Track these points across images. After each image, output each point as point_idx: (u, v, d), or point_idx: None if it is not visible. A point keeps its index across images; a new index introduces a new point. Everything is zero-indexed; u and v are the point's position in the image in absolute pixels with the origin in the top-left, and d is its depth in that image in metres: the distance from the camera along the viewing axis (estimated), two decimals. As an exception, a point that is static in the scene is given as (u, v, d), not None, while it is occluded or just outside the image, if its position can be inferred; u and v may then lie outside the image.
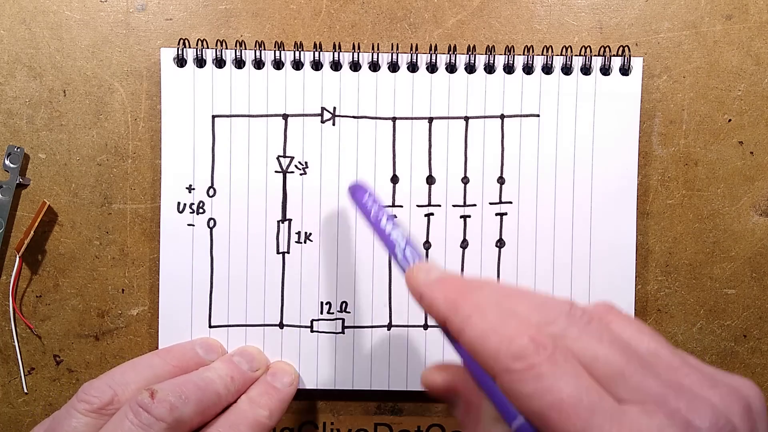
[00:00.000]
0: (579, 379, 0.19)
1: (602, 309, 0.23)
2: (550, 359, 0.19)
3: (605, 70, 0.34)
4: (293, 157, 0.34)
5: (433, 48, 0.34)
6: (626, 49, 0.34)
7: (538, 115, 0.34)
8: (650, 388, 0.19)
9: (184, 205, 0.34)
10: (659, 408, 0.19)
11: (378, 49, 0.34)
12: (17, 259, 0.34)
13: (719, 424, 0.18)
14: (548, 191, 0.34)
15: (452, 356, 0.23)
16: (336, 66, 0.33)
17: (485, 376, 0.21)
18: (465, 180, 0.34)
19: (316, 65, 0.33)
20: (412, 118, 0.34)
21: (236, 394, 0.30)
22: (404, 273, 0.25)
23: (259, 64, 0.33)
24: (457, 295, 0.22)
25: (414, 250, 0.26)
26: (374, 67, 0.33)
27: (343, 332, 0.34)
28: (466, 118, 0.34)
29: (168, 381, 0.28)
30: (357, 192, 0.30)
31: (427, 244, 0.34)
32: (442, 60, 0.34)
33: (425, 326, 0.34)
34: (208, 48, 0.33)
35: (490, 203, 0.34)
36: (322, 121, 0.34)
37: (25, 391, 0.35)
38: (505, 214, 0.34)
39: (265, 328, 0.34)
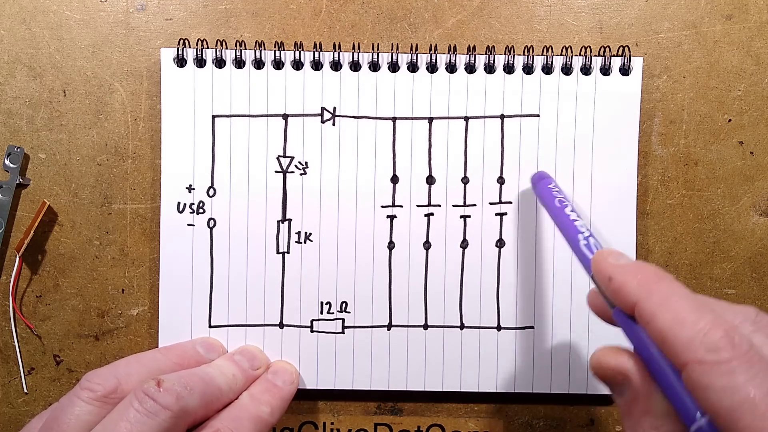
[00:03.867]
0: None
1: None
2: (745, 357, 0.19)
3: (605, 70, 0.34)
4: (293, 157, 0.34)
5: (433, 48, 0.34)
6: (626, 49, 0.34)
7: (538, 115, 0.34)
8: None
9: (184, 205, 0.34)
10: None
11: (378, 49, 0.34)
12: (17, 259, 0.34)
13: None
14: (548, 191, 0.34)
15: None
16: (336, 66, 0.33)
17: (667, 367, 0.21)
18: (465, 180, 0.34)
19: (316, 65, 0.33)
20: (412, 118, 0.34)
21: (237, 393, 0.30)
22: (585, 260, 0.25)
23: (259, 64, 0.33)
24: (652, 280, 0.22)
25: (596, 240, 0.26)
26: (374, 67, 0.33)
27: (343, 332, 0.34)
28: (466, 118, 0.34)
29: (173, 373, 0.28)
30: (540, 180, 0.31)
31: (427, 244, 0.34)
32: (442, 60, 0.34)
33: (425, 326, 0.34)
34: (208, 48, 0.33)
35: (490, 203, 0.34)
36: (322, 121, 0.34)
37: (25, 391, 0.35)
38: (505, 214, 0.34)
39: (265, 328, 0.34)
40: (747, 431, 0.18)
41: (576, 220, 0.28)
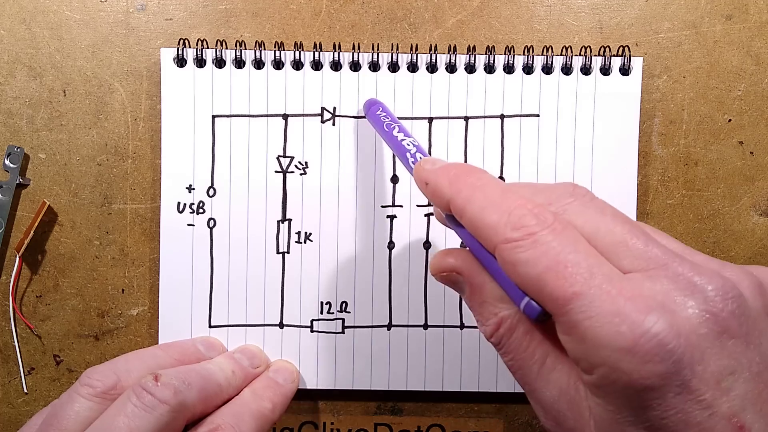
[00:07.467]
0: (578, 245, 0.19)
1: None
2: (549, 228, 0.19)
3: (605, 70, 0.34)
4: (293, 157, 0.34)
5: (433, 48, 0.34)
6: (626, 49, 0.34)
7: (538, 115, 0.34)
8: (654, 255, 0.19)
9: (184, 205, 0.34)
10: (663, 272, 0.18)
11: (378, 49, 0.34)
12: (17, 259, 0.34)
13: (725, 288, 0.18)
14: (548, 191, 0.34)
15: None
16: (336, 66, 0.33)
17: (488, 255, 0.21)
18: (465, 180, 0.34)
19: (316, 65, 0.33)
20: (412, 118, 0.34)
21: (237, 389, 0.30)
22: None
23: (259, 64, 0.33)
24: (461, 176, 0.22)
25: (423, 153, 0.26)
26: (374, 67, 0.33)
27: (343, 332, 0.34)
28: (466, 118, 0.34)
29: (171, 369, 0.28)
30: (371, 106, 0.31)
31: (427, 244, 0.34)
32: (442, 60, 0.34)
33: (425, 326, 0.34)
34: (208, 48, 0.33)
35: (490, 203, 0.34)
36: (322, 121, 0.34)
37: (25, 391, 0.35)
38: (505, 214, 0.34)
39: (265, 328, 0.34)
40: (555, 295, 0.18)
41: (403, 140, 0.27)
